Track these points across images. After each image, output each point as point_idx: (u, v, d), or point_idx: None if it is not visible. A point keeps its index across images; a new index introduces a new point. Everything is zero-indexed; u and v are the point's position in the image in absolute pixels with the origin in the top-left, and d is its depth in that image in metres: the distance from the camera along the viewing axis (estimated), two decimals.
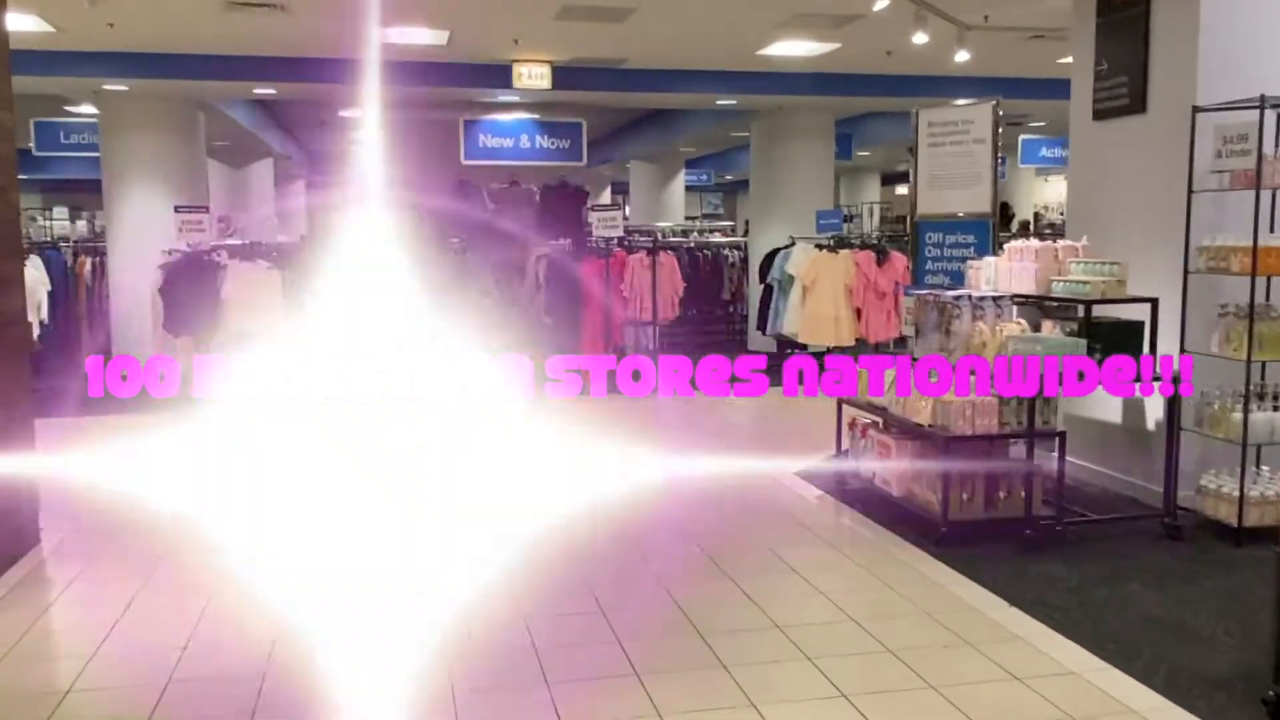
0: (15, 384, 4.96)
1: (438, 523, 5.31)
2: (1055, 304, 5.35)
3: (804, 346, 11.46)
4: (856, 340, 10.32)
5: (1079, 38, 6.19)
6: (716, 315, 14.46)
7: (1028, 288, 5.39)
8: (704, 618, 4.08)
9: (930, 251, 7.27)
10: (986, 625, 4.03)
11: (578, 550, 4.98)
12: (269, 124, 15.86)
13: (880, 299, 10.39)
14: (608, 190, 25.04)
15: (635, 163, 18.84)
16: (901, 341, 11.28)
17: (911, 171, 7.37)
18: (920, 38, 7.19)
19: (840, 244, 10.53)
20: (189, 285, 9.06)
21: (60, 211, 20.59)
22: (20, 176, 5.13)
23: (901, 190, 29.64)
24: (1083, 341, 4.97)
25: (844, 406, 6.14)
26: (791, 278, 10.49)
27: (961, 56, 7.64)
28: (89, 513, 5.50)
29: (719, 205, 30.93)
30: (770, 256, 11.18)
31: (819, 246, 10.50)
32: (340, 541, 5.02)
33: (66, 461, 6.29)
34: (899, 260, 10.47)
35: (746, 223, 19.04)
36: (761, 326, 11.15)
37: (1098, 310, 5.13)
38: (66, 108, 12.22)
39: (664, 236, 13.77)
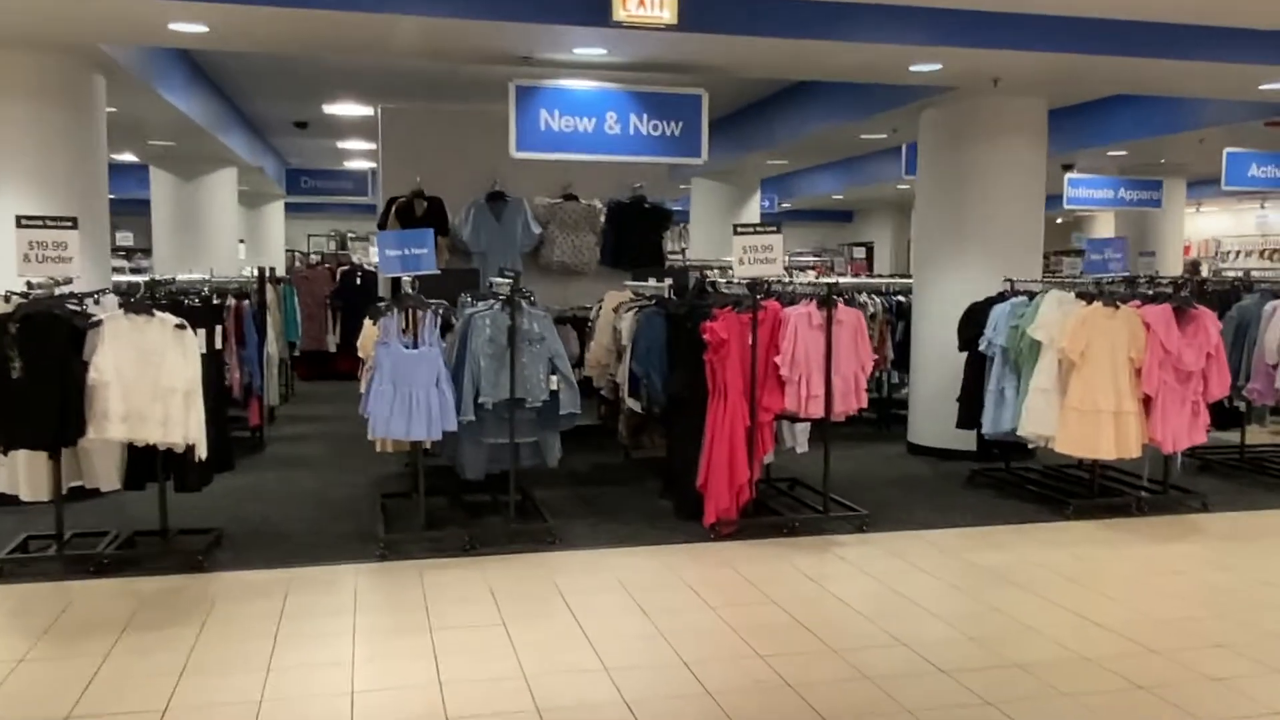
0: None
1: None
2: None
3: (1022, 445, 7.47)
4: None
5: None
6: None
7: None
8: None
9: None
10: None
11: None
12: (230, 122, 11.95)
13: (1183, 383, 6.44)
14: None
15: (699, 180, 14.85)
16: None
17: None
18: None
19: (1108, 294, 6.59)
20: (30, 357, 5.09)
21: None
22: None
23: None
24: None
25: None
26: (1037, 345, 6.54)
27: None
28: None
29: None
30: (979, 309, 7.23)
31: (1082, 296, 6.56)
32: None
33: None
34: (1209, 321, 6.53)
35: (906, 251, 15.28)
36: (969, 421, 7.16)
37: None
38: None
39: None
